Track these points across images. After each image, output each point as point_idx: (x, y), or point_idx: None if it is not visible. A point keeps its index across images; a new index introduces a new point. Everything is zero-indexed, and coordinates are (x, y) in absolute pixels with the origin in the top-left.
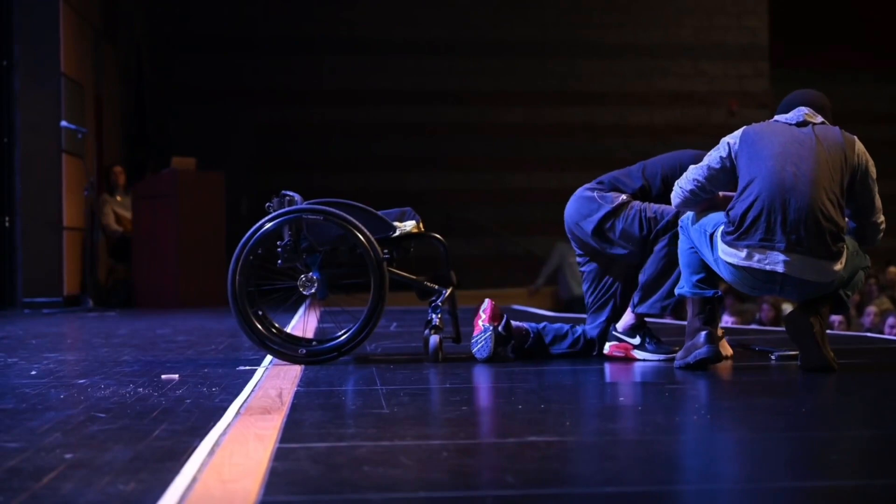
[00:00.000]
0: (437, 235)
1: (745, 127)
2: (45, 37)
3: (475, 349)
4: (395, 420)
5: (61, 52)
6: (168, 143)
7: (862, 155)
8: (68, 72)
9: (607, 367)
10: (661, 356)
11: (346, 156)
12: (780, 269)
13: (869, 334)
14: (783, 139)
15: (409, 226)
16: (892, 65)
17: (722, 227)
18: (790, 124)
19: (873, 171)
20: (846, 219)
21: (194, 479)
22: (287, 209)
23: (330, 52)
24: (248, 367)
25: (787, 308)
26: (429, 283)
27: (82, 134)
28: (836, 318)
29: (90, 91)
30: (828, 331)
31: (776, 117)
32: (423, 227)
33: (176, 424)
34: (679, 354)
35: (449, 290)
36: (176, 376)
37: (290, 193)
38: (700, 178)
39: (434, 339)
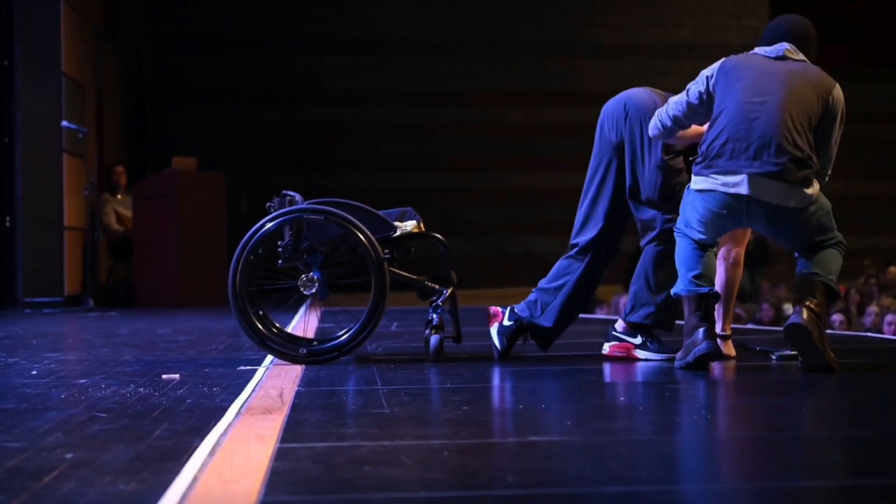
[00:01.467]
0: (438, 235)
1: (723, 59)
2: (46, 37)
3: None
4: (395, 420)
5: (62, 52)
6: (168, 143)
7: (838, 102)
8: (69, 72)
9: (608, 367)
10: (664, 355)
11: (347, 156)
12: (743, 190)
13: (870, 334)
14: (756, 72)
15: (409, 226)
16: (892, 65)
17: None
18: (769, 57)
19: (841, 120)
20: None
21: (195, 479)
22: (288, 209)
23: (330, 52)
24: (248, 367)
25: (788, 308)
26: (429, 283)
27: (83, 134)
28: (836, 318)
29: (91, 91)
30: (829, 331)
31: (756, 49)
32: (424, 226)
33: (177, 424)
34: (679, 355)
35: (450, 290)
36: (177, 376)
37: (291, 193)
38: (679, 114)
39: (435, 338)
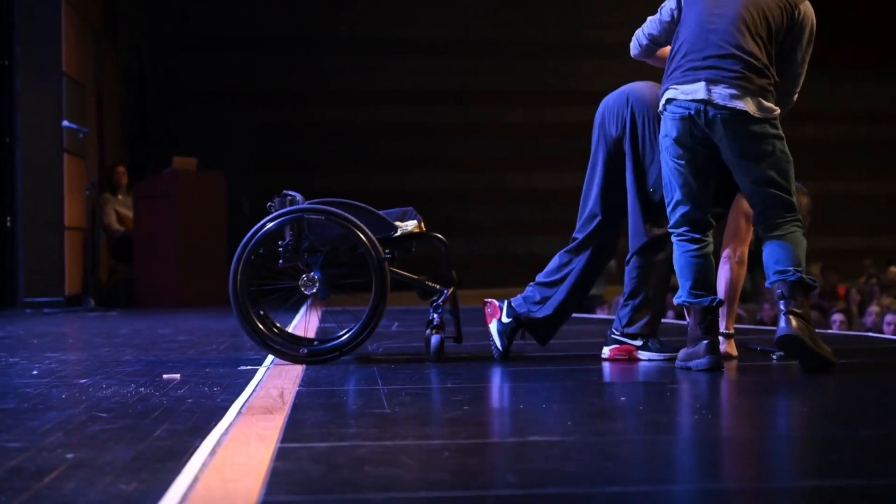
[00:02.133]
0: (439, 235)
1: None
2: (47, 36)
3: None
4: (396, 420)
5: (63, 52)
6: (169, 143)
7: (806, 17)
8: (70, 72)
9: (608, 366)
10: (666, 355)
11: (347, 156)
12: (701, 94)
13: (870, 334)
14: None
15: (410, 226)
16: (892, 65)
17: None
18: None
19: (810, 37)
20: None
21: (196, 479)
22: (289, 209)
23: (330, 52)
24: (249, 367)
25: None
26: (430, 283)
27: (83, 134)
28: (837, 318)
29: (91, 91)
30: (829, 331)
31: None
32: (425, 226)
33: (177, 424)
34: (681, 355)
35: (450, 290)
36: (177, 376)
37: (292, 193)
38: (654, 32)
39: (436, 338)
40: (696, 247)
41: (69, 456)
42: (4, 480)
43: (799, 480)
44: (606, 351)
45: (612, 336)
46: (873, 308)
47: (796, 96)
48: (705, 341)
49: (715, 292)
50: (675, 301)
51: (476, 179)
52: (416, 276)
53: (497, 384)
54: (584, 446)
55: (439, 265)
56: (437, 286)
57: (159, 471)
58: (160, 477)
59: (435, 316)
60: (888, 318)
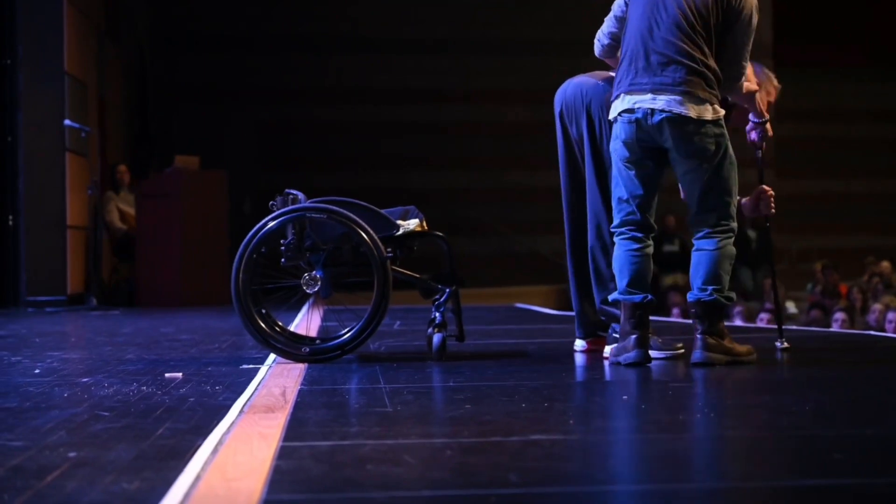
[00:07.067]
0: (440, 234)
1: None
2: (49, 36)
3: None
4: (398, 418)
5: (65, 51)
6: (171, 142)
7: (744, 3)
8: (72, 70)
9: (609, 365)
10: (668, 353)
11: (350, 154)
12: (646, 105)
13: (872, 332)
14: None
15: (412, 224)
16: (892, 65)
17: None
18: None
19: (748, 23)
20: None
21: (198, 478)
22: (290, 207)
23: (332, 51)
24: (251, 366)
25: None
26: (432, 282)
27: (85, 132)
28: (839, 315)
29: (93, 90)
30: (830, 329)
31: None
32: (427, 225)
33: (179, 423)
34: (613, 351)
35: (453, 289)
36: (179, 375)
37: (294, 192)
38: (614, 30)
39: (438, 337)
40: (637, 246)
41: (71, 455)
42: (6, 479)
43: (801, 479)
44: (608, 350)
45: (613, 335)
46: (876, 306)
47: (742, 82)
48: (634, 336)
49: (648, 290)
50: (611, 297)
51: (479, 178)
52: (417, 275)
53: (499, 383)
54: (586, 445)
55: (441, 264)
56: (439, 285)
57: (161, 469)
58: (162, 476)
59: (437, 314)
60: (890, 315)
